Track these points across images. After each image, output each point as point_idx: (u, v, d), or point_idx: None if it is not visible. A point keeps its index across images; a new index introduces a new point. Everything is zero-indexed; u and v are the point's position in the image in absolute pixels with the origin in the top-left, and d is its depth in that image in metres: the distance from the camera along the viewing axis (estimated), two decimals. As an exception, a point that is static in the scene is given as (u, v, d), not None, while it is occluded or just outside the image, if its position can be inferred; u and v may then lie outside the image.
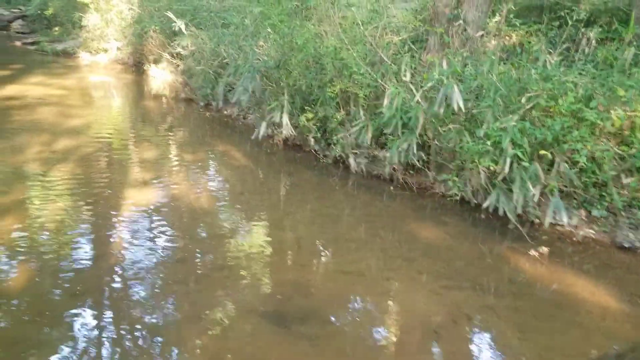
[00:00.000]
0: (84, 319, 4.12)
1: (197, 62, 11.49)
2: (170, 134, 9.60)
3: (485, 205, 5.96)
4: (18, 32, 23.60)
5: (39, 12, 21.49)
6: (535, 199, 5.73)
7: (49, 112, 10.01)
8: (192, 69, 11.63)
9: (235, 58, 10.08)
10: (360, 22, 7.69)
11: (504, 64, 6.88)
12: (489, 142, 5.77)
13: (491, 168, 5.84)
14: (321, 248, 5.51)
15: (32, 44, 19.80)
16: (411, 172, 6.90)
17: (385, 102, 6.58)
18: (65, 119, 9.63)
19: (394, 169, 6.92)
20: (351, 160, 7.36)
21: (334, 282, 4.81)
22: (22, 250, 5.01)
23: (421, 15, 8.11)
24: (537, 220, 5.86)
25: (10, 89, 11.75)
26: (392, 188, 6.91)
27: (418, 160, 6.63)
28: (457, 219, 6.16)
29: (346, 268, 5.06)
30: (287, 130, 8.19)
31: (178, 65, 12.59)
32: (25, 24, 24.75)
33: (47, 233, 5.34)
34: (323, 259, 5.32)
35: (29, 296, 4.34)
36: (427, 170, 6.80)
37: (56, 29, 20.35)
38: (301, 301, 4.47)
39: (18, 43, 20.37)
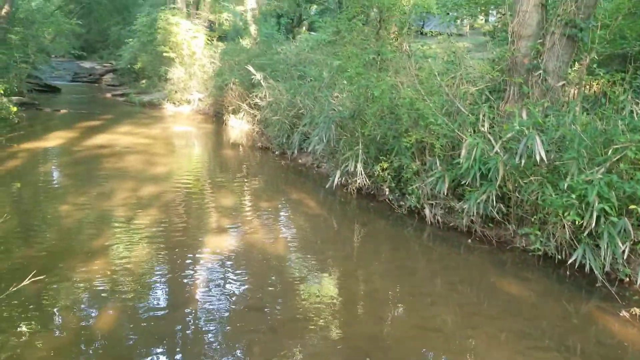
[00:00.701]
0: (160, 365, 4.18)
1: (273, 112, 11.85)
2: (246, 181, 9.85)
3: (570, 261, 5.68)
4: (109, 85, 25.36)
5: (128, 66, 22.93)
6: (625, 256, 5.41)
7: (136, 160, 10.55)
8: (269, 119, 12.00)
9: (311, 108, 10.32)
10: (436, 73, 7.70)
11: (587, 113, 6.65)
12: (573, 195, 5.53)
13: (576, 222, 5.57)
14: (397, 301, 5.39)
15: (121, 95, 21.17)
16: (490, 224, 6.69)
17: (463, 152, 6.48)
18: (150, 166, 10.11)
19: (471, 221, 6.75)
20: (427, 211, 7.25)
21: (411, 338, 4.66)
22: (104, 293, 5.19)
23: (499, 65, 8.01)
24: (627, 279, 5.52)
25: (101, 138, 12.52)
26: (469, 241, 6.72)
27: (497, 213, 6.45)
28: (540, 275, 5.89)
29: (423, 323, 4.91)
30: (361, 179, 8.23)
31: (255, 116, 13.03)
32: (115, 77, 26.60)
33: (129, 277, 5.52)
34: (399, 312, 5.19)
35: (108, 339, 4.46)
36: (506, 223, 6.59)
37: (143, 81, 21.67)
38: (379, 356, 4.34)
39: (108, 95, 21.82)
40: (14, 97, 15.32)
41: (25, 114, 14.84)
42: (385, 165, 7.91)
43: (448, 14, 10.68)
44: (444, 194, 6.99)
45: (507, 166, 6.23)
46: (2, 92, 13.64)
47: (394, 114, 8.01)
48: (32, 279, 4.30)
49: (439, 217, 7.17)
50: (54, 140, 12.30)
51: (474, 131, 6.91)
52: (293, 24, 26.34)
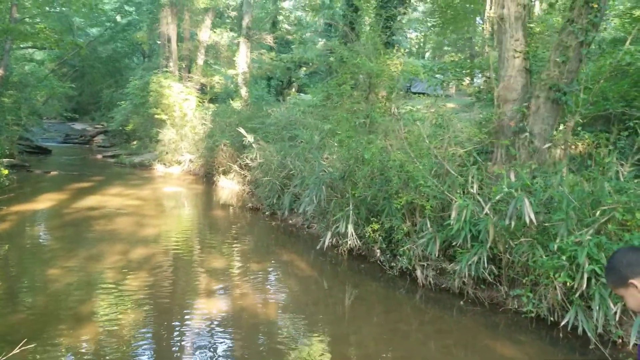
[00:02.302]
0: None
1: (264, 173, 11.95)
2: (236, 242, 9.81)
3: (563, 323, 5.64)
4: (100, 146, 25.60)
5: (120, 127, 23.19)
6: (617, 317, 5.38)
7: (126, 222, 10.50)
8: (259, 179, 12.09)
9: (302, 170, 10.41)
10: (425, 136, 7.84)
11: (573, 174, 6.77)
12: (563, 257, 5.55)
13: (567, 284, 5.57)
14: (390, 366, 5.29)
15: (112, 157, 21.29)
16: (482, 286, 6.67)
17: (453, 214, 6.52)
18: (140, 228, 10.05)
19: (463, 282, 6.72)
20: (418, 273, 7.22)
21: (405, 405, 4.57)
22: (89, 358, 5.05)
23: (486, 127, 8.20)
24: (619, 340, 5.47)
25: (91, 200, 12.49)
26: (462, 303, 6.67)
27: (489, 274, 6.44)
28: (534, 338, 5.82)
29: (417, 389, 4.81)
30: (352, 240, 8.21)
31: (246, 176, 13.13)
32: (106, 139, 26.89)
33: (117, 342, 5.37)
34: (392, 378, 5.10)
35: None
36: (498, 284, 6.57)
37: (134, 143, 21.88)
38: None
39: (99, 156, 21.93)
40: (4, 159, 15.32)
41: (15, 176, 14.77)
42: (376, 226, 7.92)
43: (435, 77, 10.98)
44: (435, 255, 6.98)
45: (497, 228, 6.27)
46: (-7, 155, 13.68)
47: (384, 175, 8.09)
48: (22, 348, 4.21)
49: (430, 279, 7.13)
50: (44, 202, 12.22)
51: (464, 193, 6.98)
52: (283, 85, 26.97)
